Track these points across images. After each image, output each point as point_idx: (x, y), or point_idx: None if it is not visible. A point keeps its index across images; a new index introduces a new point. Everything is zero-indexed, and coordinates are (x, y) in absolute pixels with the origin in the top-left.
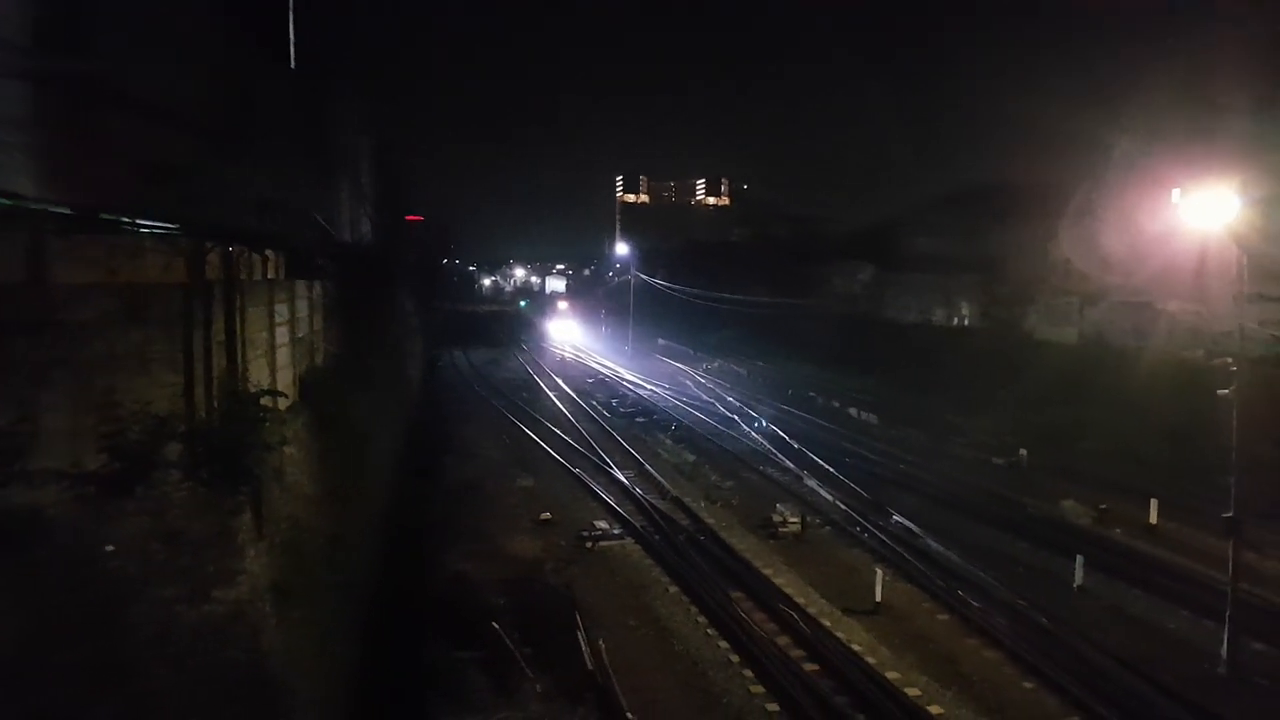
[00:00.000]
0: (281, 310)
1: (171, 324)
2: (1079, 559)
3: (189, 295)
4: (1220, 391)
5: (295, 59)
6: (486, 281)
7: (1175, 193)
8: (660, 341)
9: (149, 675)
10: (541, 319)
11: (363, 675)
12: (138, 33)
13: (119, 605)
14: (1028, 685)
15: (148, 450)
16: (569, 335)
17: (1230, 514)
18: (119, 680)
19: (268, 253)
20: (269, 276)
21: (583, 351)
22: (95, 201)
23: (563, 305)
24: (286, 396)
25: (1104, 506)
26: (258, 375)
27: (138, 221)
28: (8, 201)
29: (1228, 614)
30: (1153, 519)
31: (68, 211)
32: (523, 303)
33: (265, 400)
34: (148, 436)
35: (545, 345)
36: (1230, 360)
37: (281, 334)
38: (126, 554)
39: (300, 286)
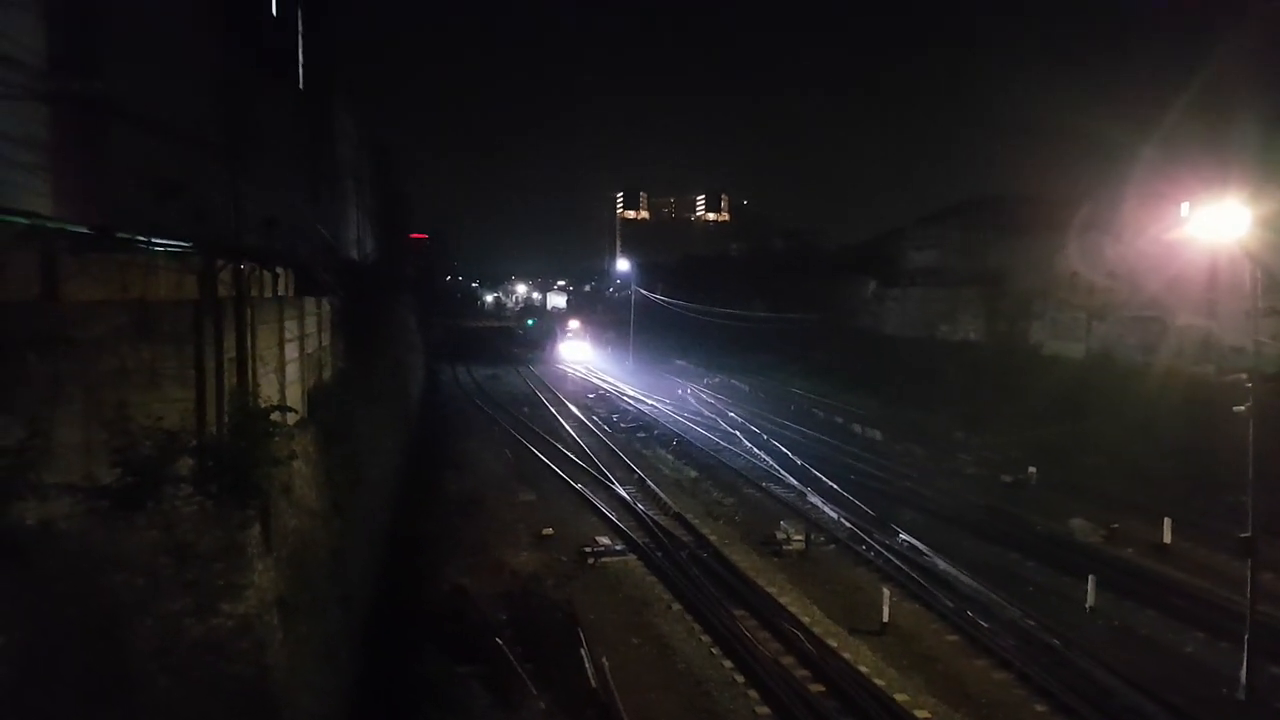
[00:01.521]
0: (291, 327)
1: (183, 340)
2: (1091, 579)
3: (200, 312)
4: (1236, 408)
5: (303, 79)
6: (489, 298)
7: (1184, 206)
8: (661, 356)
9: (153, 688)
10: (550, 340)
11: (364, 690)
12: (145, 54)
13: (126, 617)
14: (1039, 708)
15: (158, 464)
16: (581, 357)
17: (1247, 534)
18: (123, 692)
19: (278, 270)
20: (279, 293)
21: (583, 366)
22: (106, 218)
23: (574, 324)
24: (296, 412)
25: (1115, 525)
26: (268, 391)
27: (152, 240)
28: (26, 221)
29: (1246, 637)
30: (1165, 538)
31: (85, 230)
32: (530, 321)
33: (275, 416)
34: (159, 451)
35: (547, 361)
36: (1245, 376)
37: (291, 350)
38: (135, 567)
39: (309, 303)
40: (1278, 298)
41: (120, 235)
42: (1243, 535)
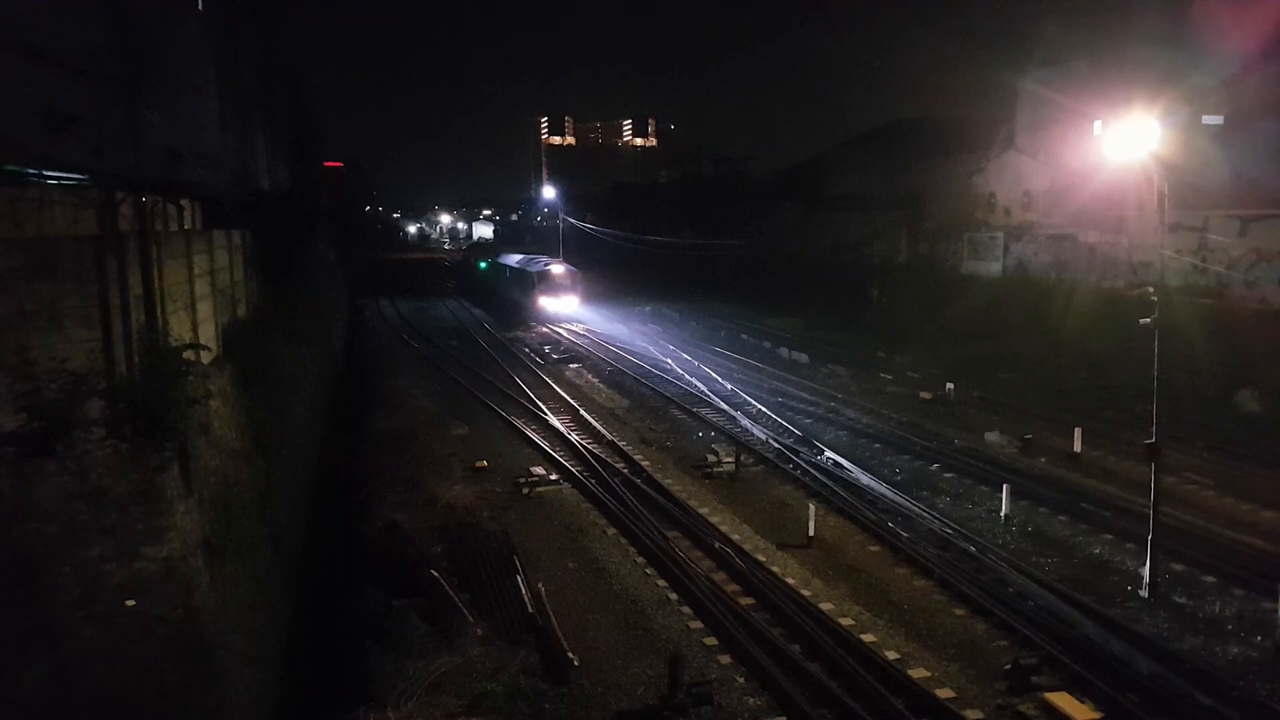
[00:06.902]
0: (201, 261)
1: (84, 278)
2: (1005, 488)
3: (101, 248)
4: (1141, 320)
5: (203, 1)
6: (412, 229)
7: (1097, 125)
8: (591, 286)
9: (78, 637)
10: (525, 292)
11: (299, 627)
12: None
13: (44, 568)
14: (958, 611)
15: (66, 408)
16: (570, 312)
17: (1151, 440)
18: (47, 643)
19: (183, 202)
20: (186, 227)
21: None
22: None
23: (559, 270)
24: (210, 349)
25: (1028, 436)
26: (179, 329)
27: (45, 172)
28: None
29: (1149, 538)
30: (1076, 447)
31: None
32: (482, 264)
33: (188, 354)
34: (65, 394)
35: (474, 293)
36: (1151, 289)
37: (202, 286)
38: (49, 515)
39: (219, 236)
40: (1183, 214)
41: (9, 168)
42: (1147, 442)
